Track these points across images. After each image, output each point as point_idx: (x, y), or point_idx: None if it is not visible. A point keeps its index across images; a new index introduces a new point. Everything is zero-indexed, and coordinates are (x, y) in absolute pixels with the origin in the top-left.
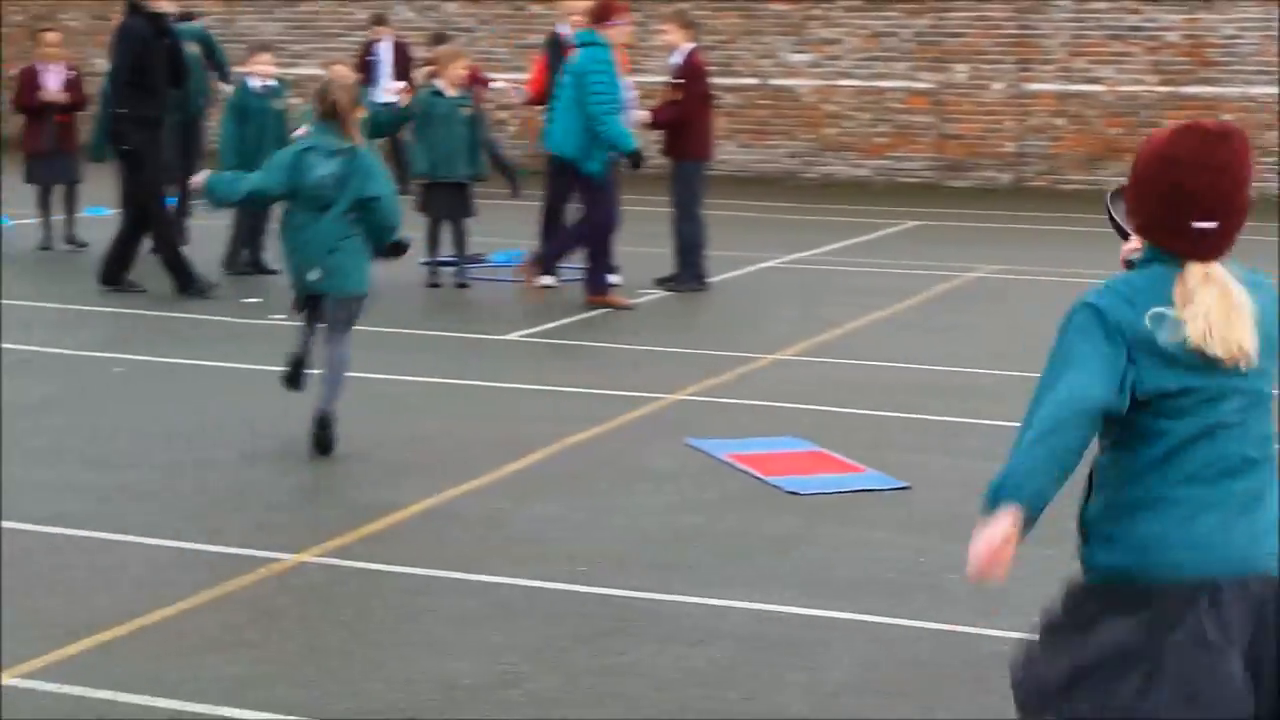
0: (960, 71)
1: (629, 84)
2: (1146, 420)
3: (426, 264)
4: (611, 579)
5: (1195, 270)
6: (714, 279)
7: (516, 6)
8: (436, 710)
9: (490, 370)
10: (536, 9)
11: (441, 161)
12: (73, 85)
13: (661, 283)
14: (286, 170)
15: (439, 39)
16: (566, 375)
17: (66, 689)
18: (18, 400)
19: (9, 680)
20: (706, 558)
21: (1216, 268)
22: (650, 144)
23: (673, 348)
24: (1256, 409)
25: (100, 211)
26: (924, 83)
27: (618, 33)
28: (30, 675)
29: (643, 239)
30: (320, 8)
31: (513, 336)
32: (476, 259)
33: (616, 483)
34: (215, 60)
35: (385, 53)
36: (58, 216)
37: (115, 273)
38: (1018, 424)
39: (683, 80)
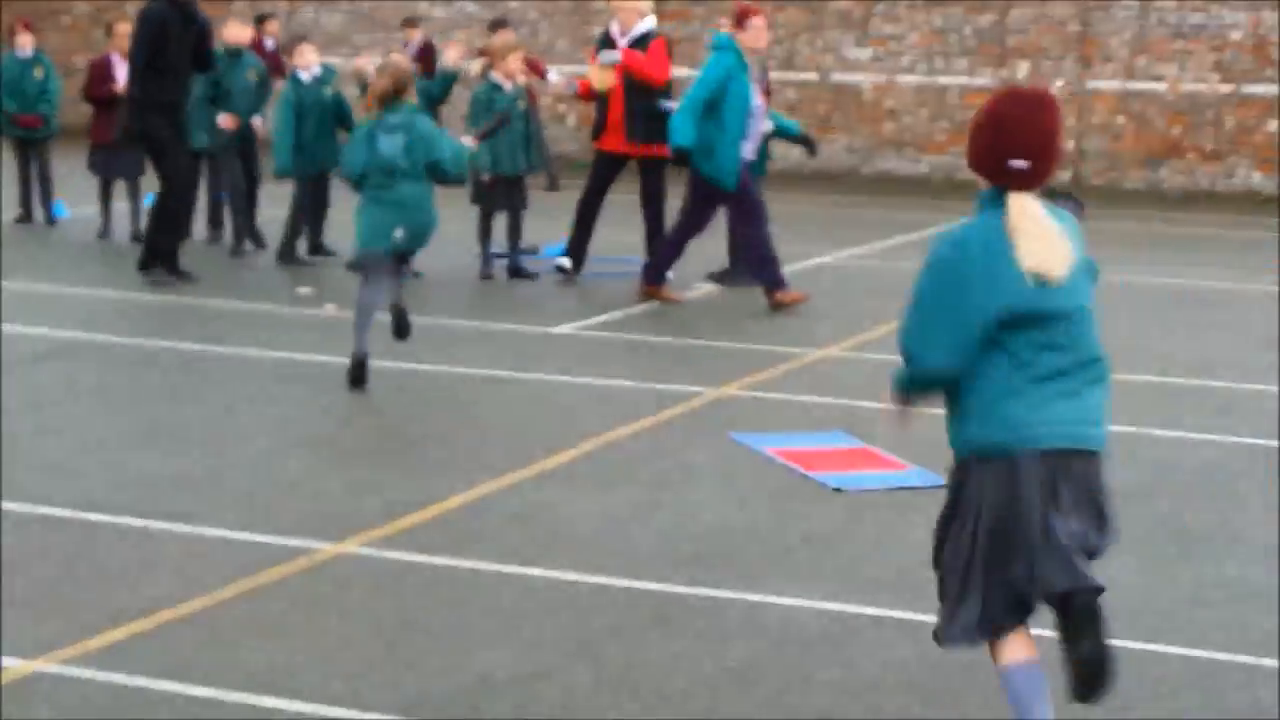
0: (1021, 69)
1: (759, 95)
2: (1003, 333)
3: (480, 256)
4: (649, 573)
5: (1014, 200)
6: None
7: (579, 0)
8: (470, 702)
9: (536, 363)
10: (598, 4)
11: (502, 155)
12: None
13: (714, 278)
14: (361, 149)
15: (497, 25)
16: (613, 369)
17: (103, 676)
18: (64, 387)
19: (45, 667)
20: (745, 553)
21: (1029, 198)
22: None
23: (721, 342)
24: (1084, 318)
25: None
26: (984, 79)
27: (750, 36)
28: (67, 662)
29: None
30: (381, 2)
31: (561, 329)
32: (529, 251)
33: (659, 477)
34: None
35: (413, 53)
36: (119, 203)
37: (150, 260)
38: None
39: None
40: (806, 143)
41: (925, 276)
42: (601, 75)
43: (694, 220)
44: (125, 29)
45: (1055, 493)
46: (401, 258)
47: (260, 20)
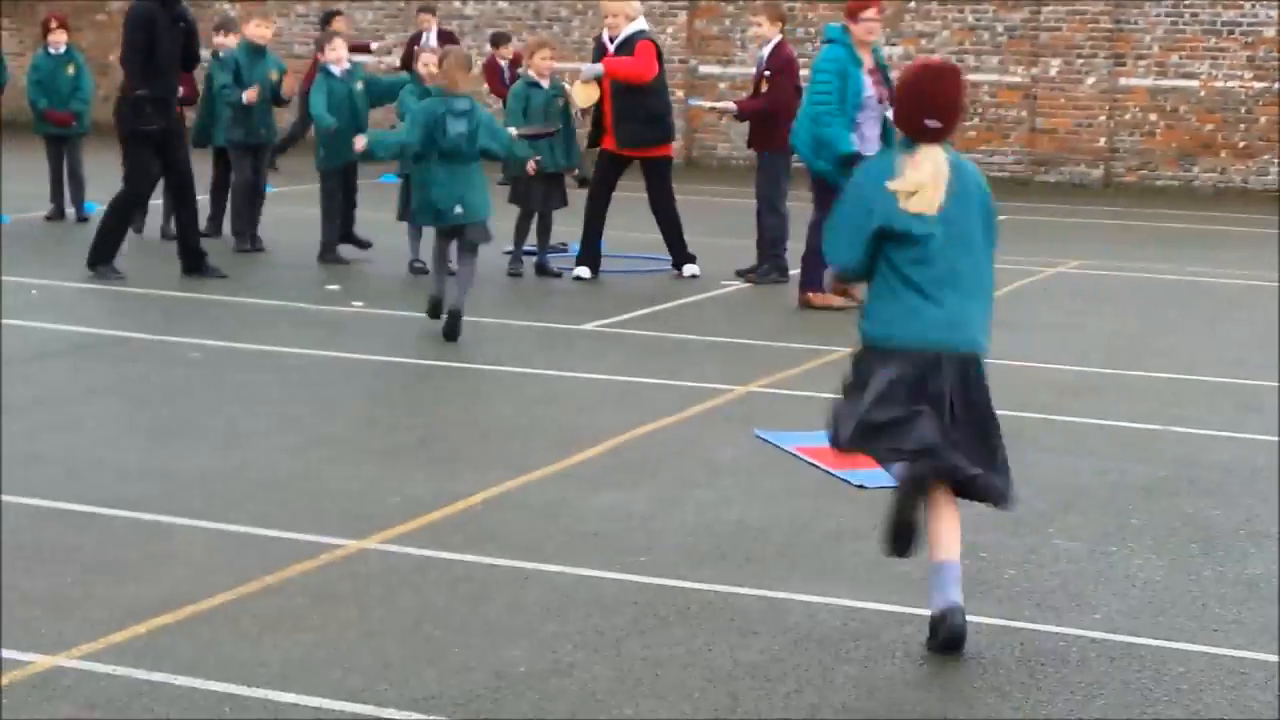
0: (1053, 66)
1: (874, 85)
2: (890, 248)
3: (509, 253)
4: (670, 570)
5: (923, 150)
6: (795, 271)
7: None
8: (489, 698)
9: (562, 360)
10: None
11: (541, 153)
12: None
13: (742, 274)
14: (426, 129)
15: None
16: (638, 366)
17: (122, 671)
18: (89, 383)
19: (66, 662)
20: (767, 550)
21: (937, 149)
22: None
23: (747, 339)
24: (958, 240)
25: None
26: (1016, 76)
27: (862, 29)
28: (86, 657)
29: (725, 230)
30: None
31: (587, 326)
32: (559, 249)
33: (682, 474)
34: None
35: (431, 40)
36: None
37: (196, 260)
38: (1092, 420)
39: (770, 72)
40: None
41: (841, 195)
42: (585, 92)
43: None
44: None
45: (919, 383)
46: (461, 240)
47: (328, 18)
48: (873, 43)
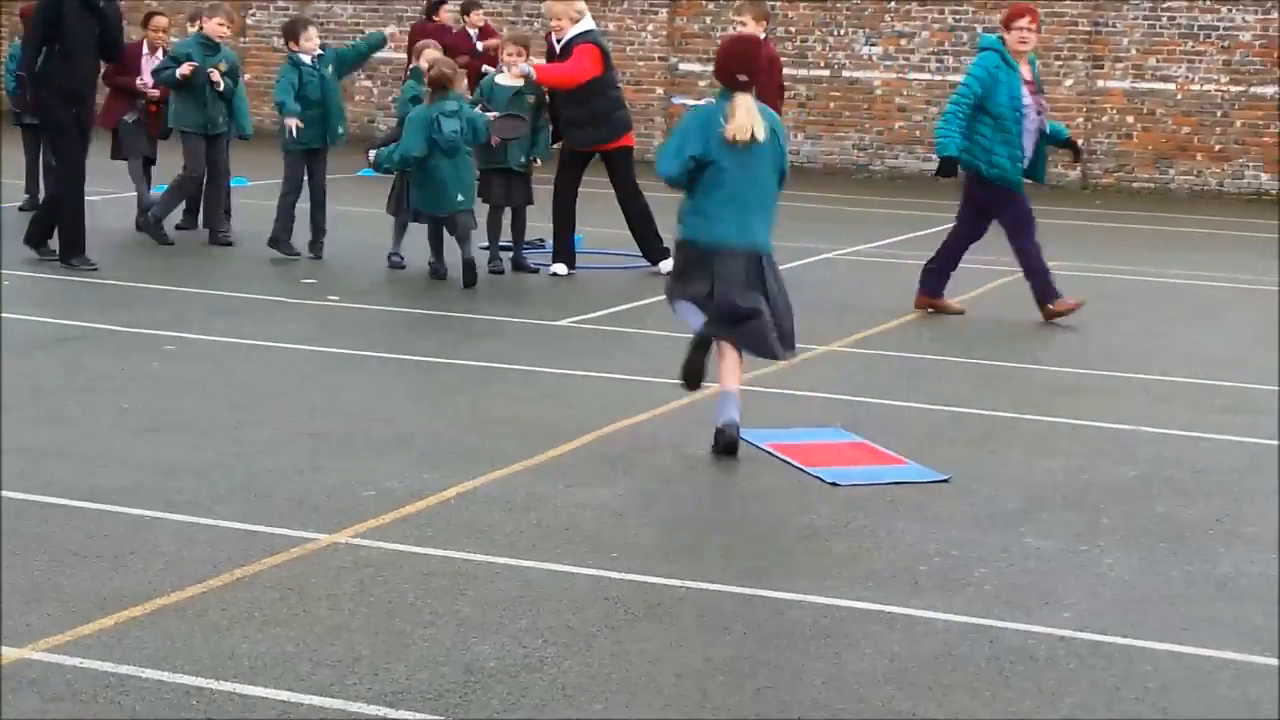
0: None
1: (1030, 94)
2: (706, 171)
3: (485, 248)
4: (642, 566)
5: (737, 98)
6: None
7: None
8: (458, 693)
9: (538, 355)
10: None
11: (499, 149)
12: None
13: None
14: (425, 131)
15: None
16: (614, 361)
17: (90, 664)
18: (66, 376)
19: (33, 654)
20: (739, 547)
21: (748, 97)
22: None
23: None
24: (754, 167)
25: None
26: None
27: (1014, 37)
28: (55, 650)
29: None
30: None
31: (564, 322)
32: (535, 244)
33: (657, 470)
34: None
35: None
36: (114, 196)
37: (40, 240)
38: (1066, 420)
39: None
40: (1072, 147)
41: (679, 127)
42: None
43: (971, 229)
44: (162, 22)
45: (723, 271)
46: (455, 229)
47: (466, 10)
48: (1027, 52)
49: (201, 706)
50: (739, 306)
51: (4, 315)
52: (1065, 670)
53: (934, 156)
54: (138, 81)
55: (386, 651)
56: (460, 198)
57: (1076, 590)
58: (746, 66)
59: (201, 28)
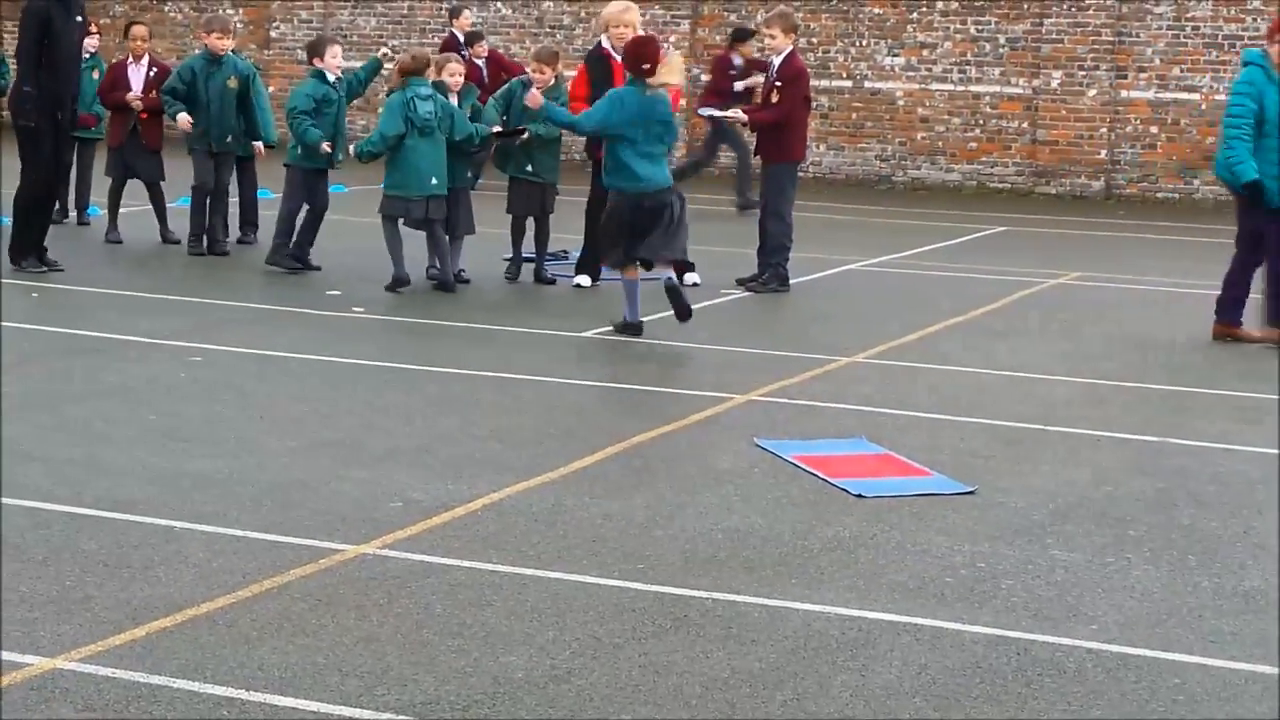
0: (1055, 78)
1: None
2: (626, 130)
3: (507, 260)
4: (669, 577)
5: (641, 86)
6: (796, 280)
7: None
8: (487, 703)
9: (564, 366)
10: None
11: (527, 160)
12: (156, 83)
13: (743, 282)
14: (402, 113)
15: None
16: (639, 373)
17: (122, 674)
18: (93, 386)
19: (65, 664)
20: (765, 558)
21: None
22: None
23: (748, 348)
24: (655, 132)
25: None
26: (1018, 88)
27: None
28: (86, 660)
29: (727, 238)
30: (416, 4)
31: (589, 334)
32: (558, 256)
33: (682, 482)
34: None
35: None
36: (137, 209)
37: (21, 251)
38: (1090, 431)
39: (781, 83)
40: None
41: (610, 98)
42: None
43: (1252, 249)
44: (139, 31)
45: (645, 211)
46: (427, 220)
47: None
48: None
49: (232, 717)
50: (665, 233)
51: (31, 327)
52: (1093, 683)
53: (953, 167)
54: (127, 96)
55: (415, 662)
56: (434, 180)
57: (1103, 602)
58: (650, 59)
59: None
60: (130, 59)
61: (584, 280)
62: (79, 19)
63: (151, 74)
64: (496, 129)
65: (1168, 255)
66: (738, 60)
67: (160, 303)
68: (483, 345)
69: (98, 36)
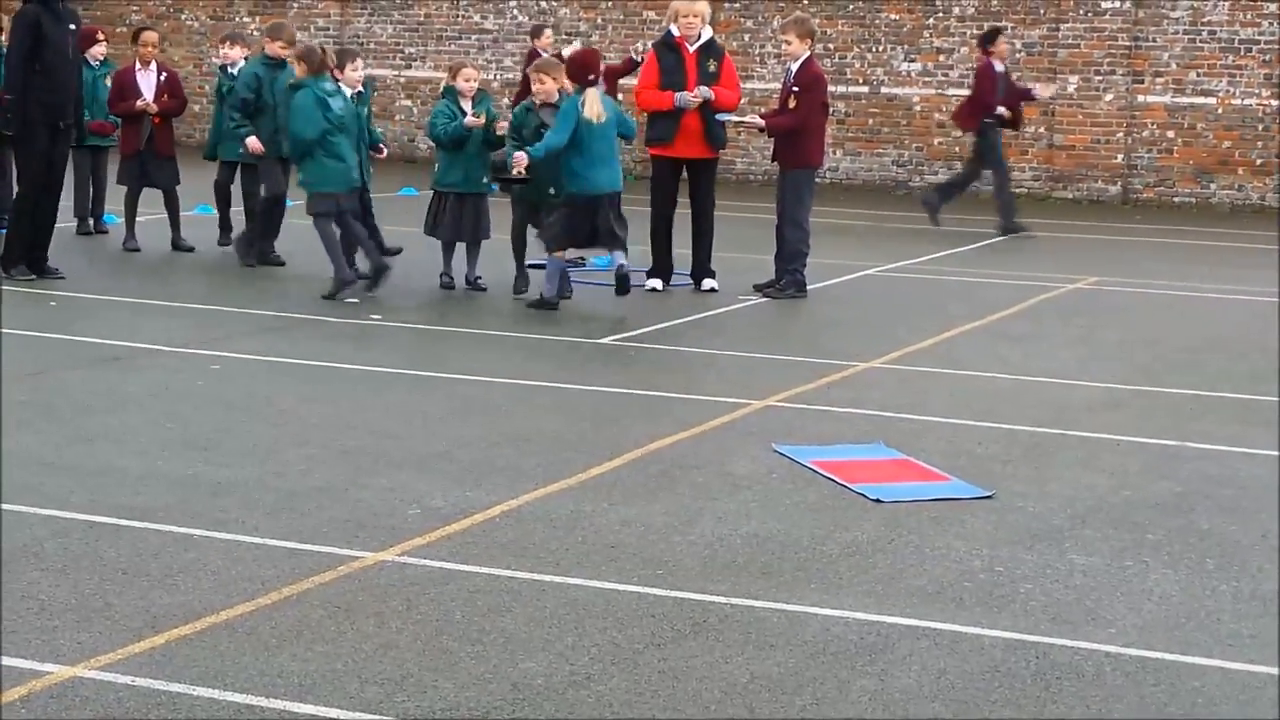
0: (1072, 82)
1: None
2: (580, 138)
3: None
4: (688, 583)
5: (589, 91)
6: (813, 286)
7: (630, 11)
8: (506, 710)
9: (580, 373)
10: (650, 13)
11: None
12: (167, 88)
13: (760, 289)
14: (319, 111)
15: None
16: (657, 379)
17: (141, 682)
18: (112, 395)
19: (85, 673)
20: (784, 564)
21: (595, 90)
22: (755, 151)
23: (765, 354)
24: (606, 135)
25: (206, 210)
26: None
27: None
28: (106, 668)
29: (744, 244)
30: (433, 11)
31: (606, 340)
32: (576, 263)
33: (700, 487)
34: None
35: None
36: (155, 216)
37: (10, 259)
38: (1109, 436)
39: (798, 89)
40: None
41: (560, 118)
42: None
43: None
44: (151, 37)
45: (598, 211)
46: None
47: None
48: None
49: None
50: (612, 228)
51: (49, 335)
52: (1112, 687)
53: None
54: (138, 103)
55: (434, 669)
56: (355, 174)
57: (1122, 606)
58: (594, 69)
59: (264, 49)
60: (138, 65)
61: (656, 284)
62: (71, 26)
63: (162, 79)
64: (509, 174)
65: (1184, 259)
66: None
67: (178, 310)
68: (500, 351)
69: (105, 44)
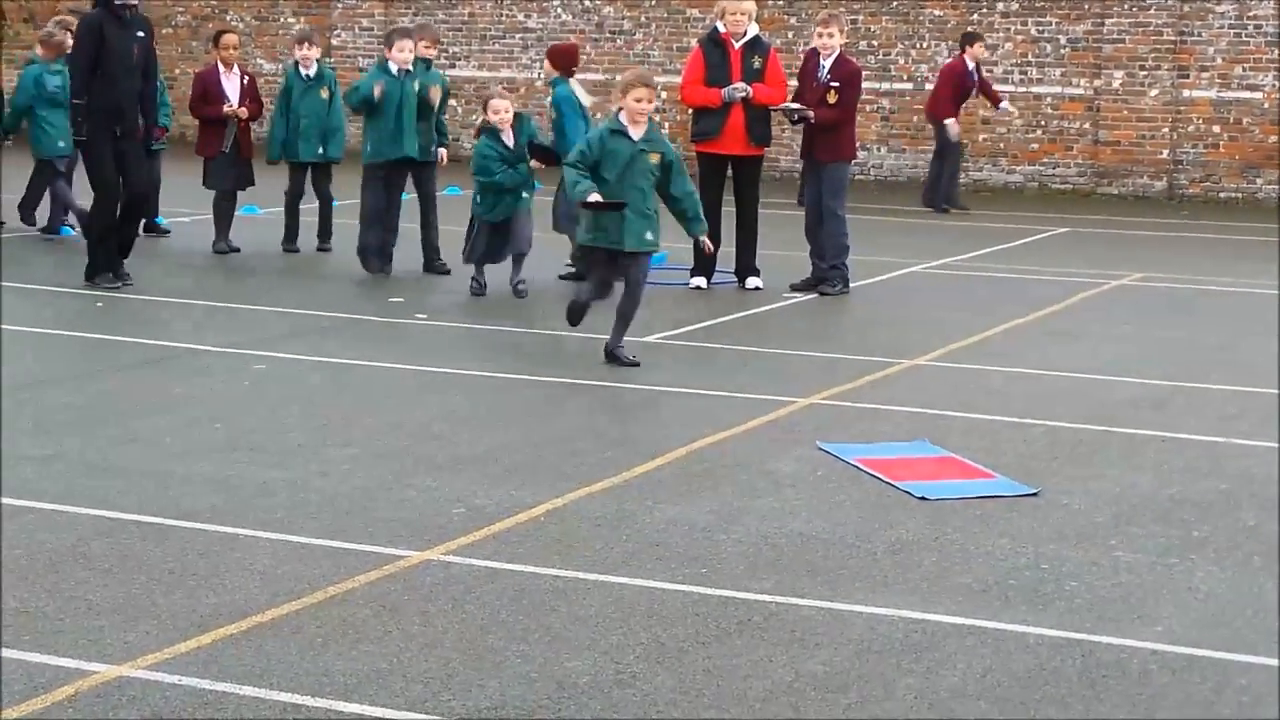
0: (1116, 78)
1: None
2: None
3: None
4: (733, 582)
5: (574, 79)
6: (857, 284)
7: (674, 9)
8: (551, 708)
9: (624, 372)
10: (693, 12)
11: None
12: (248, 91)
13: (797, 288)
14: (34, 89)
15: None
16: (702, 378)
17: (188, 681)
18: (157, 396)
19: (132, 672)
20: (829, 562)
21: (576, 80)
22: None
23: (810, 352)
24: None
25: (253, 210)
26: (1079, 89)
27: None
28: (153, 667)
29: (789, 243)
30: (477, 9)
31: (650, 339)
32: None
33: (745, 486)
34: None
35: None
36: (201, 218)
37: (93, 270)
38: (1154, 433)
39: (839, 84)
40: None
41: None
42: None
43: None
44: (232, 40)
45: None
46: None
47: (969, 40)
48: None
49: None
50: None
51: (96, 336)
52: (1158, 684)
53: (1016, 168)
54: (225, 108)
55: (479, 668)
56: (61, 144)
57: (1168, 604)
58: (574, 59)
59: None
60: (222, 68)
61: (700, 282)
62: (139, 33)
63: (245, 83)
64: (594, 198)
65: (1231, 255)
66: None
67: (222, 311)
68: (543, 351)
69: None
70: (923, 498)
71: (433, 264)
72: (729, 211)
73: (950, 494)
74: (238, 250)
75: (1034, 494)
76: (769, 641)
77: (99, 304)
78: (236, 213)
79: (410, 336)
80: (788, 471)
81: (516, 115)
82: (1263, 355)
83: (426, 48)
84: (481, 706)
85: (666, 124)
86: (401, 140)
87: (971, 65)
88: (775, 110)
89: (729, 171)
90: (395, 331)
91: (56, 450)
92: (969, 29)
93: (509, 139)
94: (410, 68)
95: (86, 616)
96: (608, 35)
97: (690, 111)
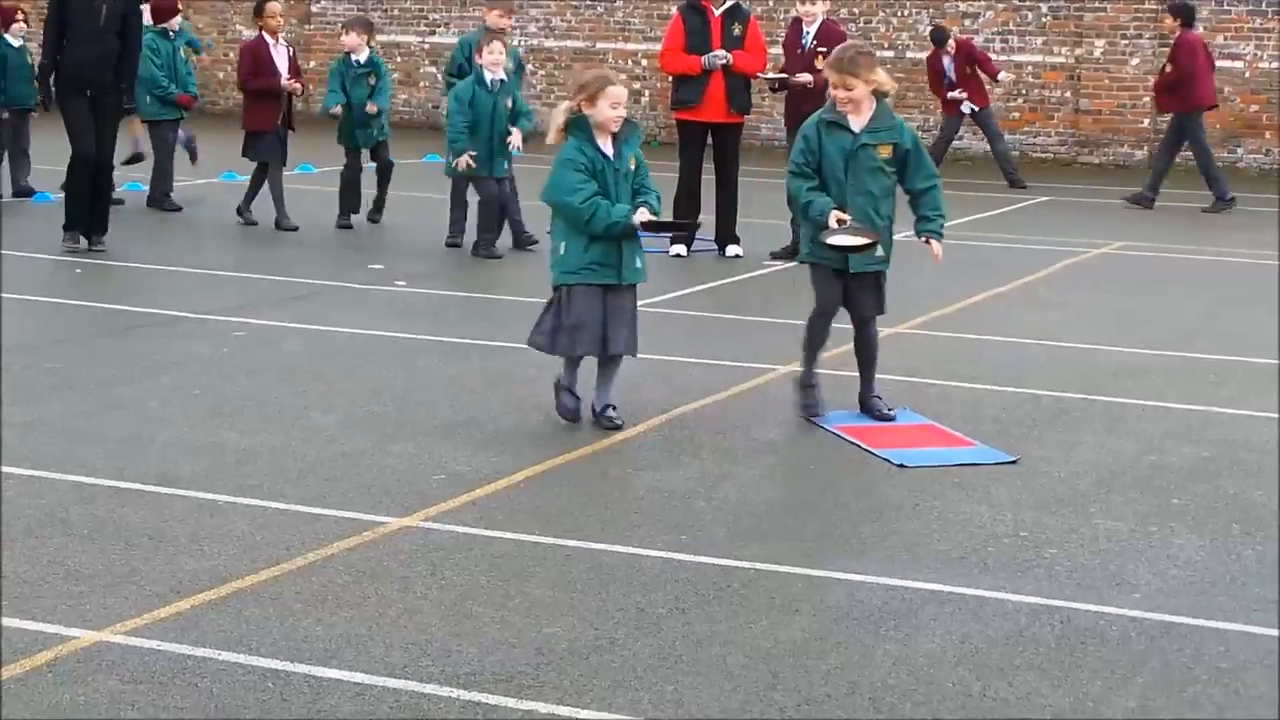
0: (1098, 46)
1: None
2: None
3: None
4: (712, 548)
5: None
6: None
7: None
8: (530, 674)
9: None
10: None
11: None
12: (294, 64)
13: (777, 256)
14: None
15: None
16: (682, 345)
17: (167, 646)
18: (138, 362)
19: (111, 637)
20: (808, 529)
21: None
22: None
23: (790, 319)
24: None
25: (308, 169)
26: (1060, 57)
27: None
28: (133, 633)
29: (769, 210)
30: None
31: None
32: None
33: (725, 453)
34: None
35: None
36: (205, 184)
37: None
38: (1135, 401)
39: (826, 49)
40: None
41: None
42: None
43: None
44: (276, 7)
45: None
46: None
47: (937, 40)
48: None
49: (277, 689)
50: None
51: (76, 303)
52: (1136, 651)
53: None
54: (283, 83)
55: (459, 634)
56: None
57: (1147, 571)
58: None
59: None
60: (269, 38)
61: (681, 250)
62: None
63: (292, 54)
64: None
65: (1211, 224)
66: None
67: (204, 278)
68: (525, 318)
69: (23, 22)
70: (902, 465)
71: (520, 239)
72: (709, 180)
73: (930, 462)
74: (255, 224)
75: (1014, 462)
76: (748, 608)
77: (77, 270)
78: (292, 171)
79: (389, 302)
80: (769, 438)
81: (626, 121)
82: (1244, 323)
83: (500, 16)
84: (461, 672)
85: (647, 92)
86: (493, 163)
87: (947, 61)
88: (757, 78)
89: (709, 139)
90: (376, 298)
91: (36, 416)
92: (934, 24)
93: (607, 147)
94: (505, 76)
95: (66, 582)
96: (588, 2)
97: (670, 79)
